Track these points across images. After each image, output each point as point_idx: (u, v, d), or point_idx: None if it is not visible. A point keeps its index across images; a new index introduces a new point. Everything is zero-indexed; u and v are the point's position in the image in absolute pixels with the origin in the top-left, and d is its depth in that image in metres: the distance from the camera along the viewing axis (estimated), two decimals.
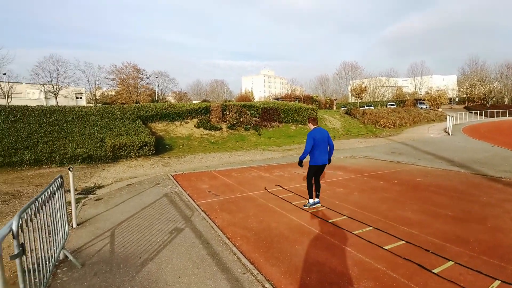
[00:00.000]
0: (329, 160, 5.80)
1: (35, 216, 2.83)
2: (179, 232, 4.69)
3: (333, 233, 4.59)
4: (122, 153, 12.92)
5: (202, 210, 5.77)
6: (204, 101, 49.67)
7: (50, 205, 3.43)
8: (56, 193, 3.79)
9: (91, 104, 42.41)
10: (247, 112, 21.79)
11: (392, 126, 28.21)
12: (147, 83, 59.16)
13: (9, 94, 42.23)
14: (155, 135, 16.58)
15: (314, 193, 5.80)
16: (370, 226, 4.84)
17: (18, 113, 14.81)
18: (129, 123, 16.29)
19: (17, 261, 2.23)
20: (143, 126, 16.33)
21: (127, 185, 8.39)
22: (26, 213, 2.52)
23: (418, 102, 50.55)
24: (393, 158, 12.18)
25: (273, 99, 58.36)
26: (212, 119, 20.04)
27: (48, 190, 3.37)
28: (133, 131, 14.95)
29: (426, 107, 44.22)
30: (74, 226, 5.17)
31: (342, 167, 10.29)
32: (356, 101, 49.81)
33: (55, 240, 3.59)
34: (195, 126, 19.10)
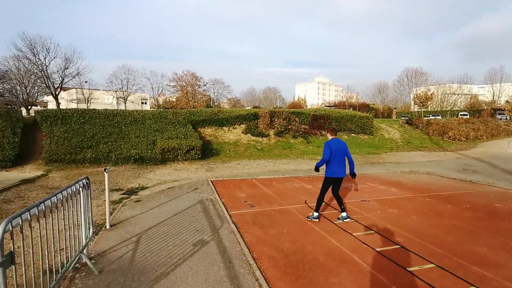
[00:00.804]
0: (353, 175, 5.48)
1: (38, 222, 2.69)
2: (203, 245, 4.34)
3: (381, 267, 3.76)
4: (170, 156, 13.35)
5: (232, 222, 5.37)
6: (255, 107, 50.15)
7: (67, 207, 3.32)
8: (79, 194, 3.73)
9: (153, 109, 45.92)
10: (296, 119, 21.12)
11: (464, 139, 24.75)
12: (204, 90, 62.32)
13: (89, 99, 48.26)
14: (203, 139, 16.94)
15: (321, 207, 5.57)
16: (431, 262, 3.87)
17: (87, 115, 16.45)
18: (180, 127, 16.93)
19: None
20: (193, 130, 16.80)
21: (168, 188, 8.45)
22: (21, 218, 2.36)
23: (497, 112, 43.94)
24: (464, 176, 10.37)
25: (325, 106, 56.45)
26: (260, 126, 19.83)
27: (65, 191, 3.28)
28: (182, 135, 15.44)
29: (506, 118, 38.17)
30: (107, 227, 5.19)
31: (398, 184, 9.02)
32: (419, 110, 45.29)
33: (73, 244, 3.50)
34: (242, 132, 19.08)
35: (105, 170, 5.10)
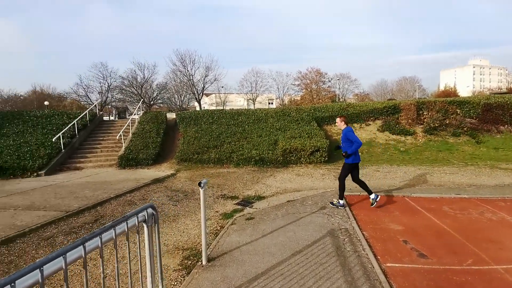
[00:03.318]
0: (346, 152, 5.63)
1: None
2: None
3: None
4: (292, 158, 11.74)
5: None
6: (390, 100, 43.30)
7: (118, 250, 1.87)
8: (143, 227, 2.28)
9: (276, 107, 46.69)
10: (457, 111, 15.74)
11: None
12: (329, 86, 59.28)
13: (225, 102, 54.18)
14: (330, 139, 14.60)
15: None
16: None
17: (215, 115, 17.05)
18: (303, 125, 15.19)
19: None
20: (318, 128, 14.73)
21: (288, 201, 6.69)
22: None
23: None
24: None
25: (492, 94, 42.84)
26: (402, 121, 15.70)
27: (116, 229, 1.83)
28: (306, 134, 13.62)
29: None
30: (203, 263, 3.79)
31: None
32: None
33: None
34: (378, 130, 15.56)
35: (199, 184, 3.70)
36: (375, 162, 11.99)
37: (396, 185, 7.92)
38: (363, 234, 4.50)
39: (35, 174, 10.44)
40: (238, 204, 6.96)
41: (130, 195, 7.68)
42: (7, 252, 4.38)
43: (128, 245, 2.06)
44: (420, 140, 14.47)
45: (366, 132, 15.56)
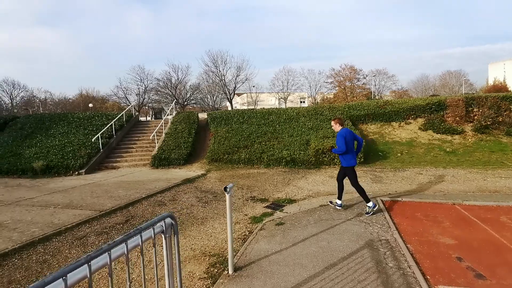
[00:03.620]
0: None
1: None
2: None
3: None
4: (325, 158, 11.21)
5: None
6: (433, 96, 40.51)
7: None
8: (163, 237, 2.09)
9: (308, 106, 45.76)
10: (510, 107, 14.11)
11: None
12: (363, 83, 56.87)
13: (256, 101, 54.24)
14: (365, 138, 13.80)
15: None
16: None
17: (245, 115, 16.93)
18: None
19: None
20: (353, 127, 13.98)
21: (320, 206, 6.29)
22: None
23: None
24: None
25: None
26: (449, 118, 14.38)
27: (129, 242, 1.65)
28: None
29: None
30: (230, 272, 3.57)
31: None
32: None
33: None
34: (420, 128, 14.40)
35: (225, 189, 3.47)
36: (417, 164, 11.05)
37: (443, 190, 7.14)
38: (407, 247, 4.00)
39: (76, 173, 11.04)
40: (268, 207, 6.70)
41: (161, 195, 7.75)
42: (43, 250, 4.52)
43: (143, 260, 1.87)
44: (469, 140, 13.13)
45: (406, 131, 14.48)
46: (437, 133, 13.81)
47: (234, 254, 3.94)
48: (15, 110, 50.36)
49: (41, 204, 6.81)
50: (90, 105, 49.75)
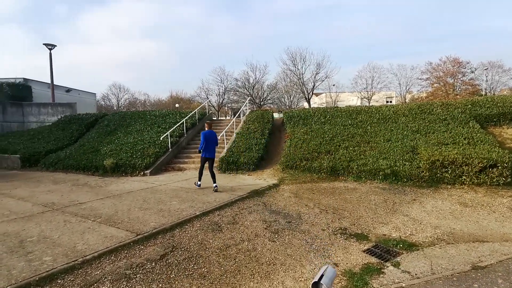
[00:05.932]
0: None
1: None
2: None
3: None
4: (447, 174, 7.89)
5: None
6: None
7: None
8: None
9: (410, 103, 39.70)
10: None
11: None
12: (471, 79, 46.71)
13: (336, 101, 50.22)
14: (502, 147, 9.72)
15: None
16: None
17: (328, 114, 14.33)
18: (456, 127, 10.71)
19: None
20: (483, 132, 10.04)
21: (472, 267, 3.53)
22: None
23: None
24: None
25: None
26: None
27: None
28: (464, 139, 9.33)
29: None
30: None
31: None
32: None
33: None
34: None
35: (315, 284, 1.30)
36: None
37: None
38: None
39: (142, 173, 10.37)
40: (370, 252, 4.26)
41: (219, 213, 6.00)
42: None
43: None
44: None
45: None
46: None
47: None
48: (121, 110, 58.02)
49: (83, 214, 5.80)
50: (177, 105, 53.66)
